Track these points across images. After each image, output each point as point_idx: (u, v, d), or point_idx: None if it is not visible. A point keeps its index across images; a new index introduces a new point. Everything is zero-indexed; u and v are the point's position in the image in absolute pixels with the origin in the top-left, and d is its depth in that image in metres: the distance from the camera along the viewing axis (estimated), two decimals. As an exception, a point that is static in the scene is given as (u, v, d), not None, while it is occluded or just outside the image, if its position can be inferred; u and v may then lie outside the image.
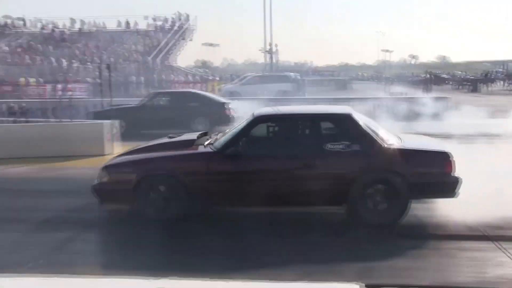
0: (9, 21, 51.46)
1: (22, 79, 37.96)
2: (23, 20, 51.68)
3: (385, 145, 6.78)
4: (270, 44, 51.25)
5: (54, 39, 48.56)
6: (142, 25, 49.79)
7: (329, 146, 6.76)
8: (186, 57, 49.48)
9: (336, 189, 6.70)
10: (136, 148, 8.13)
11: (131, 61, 43.26)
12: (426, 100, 20.08)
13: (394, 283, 4.33)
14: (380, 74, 72.24)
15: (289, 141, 7.10)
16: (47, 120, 16.73)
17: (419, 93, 27.98)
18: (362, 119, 7.17)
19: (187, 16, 50.71)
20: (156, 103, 17.64)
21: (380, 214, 6.66)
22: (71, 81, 35.84)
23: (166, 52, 46.33)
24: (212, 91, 35.22)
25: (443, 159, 6.68)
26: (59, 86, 32.42)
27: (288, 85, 30.30)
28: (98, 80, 35.55)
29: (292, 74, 34.17)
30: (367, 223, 6.64)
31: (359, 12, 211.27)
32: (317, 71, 69.85)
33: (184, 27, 50.10)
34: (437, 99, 21.10)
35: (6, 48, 47.27)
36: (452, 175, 6.60)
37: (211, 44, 62.66)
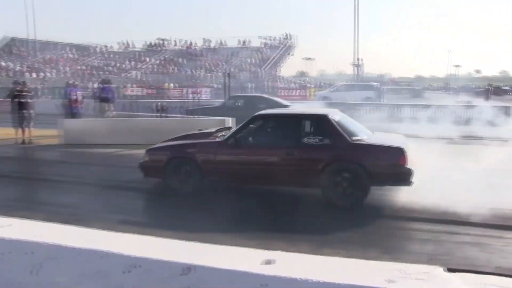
0: (160, 41, 54.01)
1: (166, 84, 39.75)
2: (168, 40, 54.08)
3: (351, 141, 6.73)
4: (358, 59, 50.28)
5: (189, 54, 50.35)
6: (256, 43, 50.37)
7: (306, 139, 6.89)
8: (288, 68, 49.45)
9: (310, 175, 6.74)
10: (175, 137, 8.36)
11: (246, 71, 43.84)
12: (486, 108, 18.85)
13: (474, 269, 4.05)
14: (448, 85, 68.72)
15: (277, 135, 7.27)
16: (183, 116, 17.35)
17: (480, 102, 26.19)
18: (338, 119, 7.11)
19: (290, 35, 50.71)
20: (233, 104, 17.49)
21: (346, 197, 6.59)
22: (199, 86, 36.98)
23: (273, 64, 46.51)
24: (309, 96, 35.19)
25: (397, 153, 6.51)
26: (190, 90, 33.53)
27: (371, 93, 29.47)
28: (220, 86, 36.57)
29: (374, 83, 33.18)
30: (335, 203, 6.60)
31: (433, 30, 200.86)
32: (394, 81, 67.12)
33: (287, 44, 50.08)
34: (497, 107, 19.66)
35: (156, 61, 49.68)
36: (405, 166, 6.41)
37: (308, 58, 62.21)
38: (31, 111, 13.61)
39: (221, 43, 51.91)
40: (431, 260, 4.61)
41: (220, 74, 40.96)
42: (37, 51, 57.02)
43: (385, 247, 5.10)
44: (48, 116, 18.72)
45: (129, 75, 46.40)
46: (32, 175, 9.74)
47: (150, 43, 54.13)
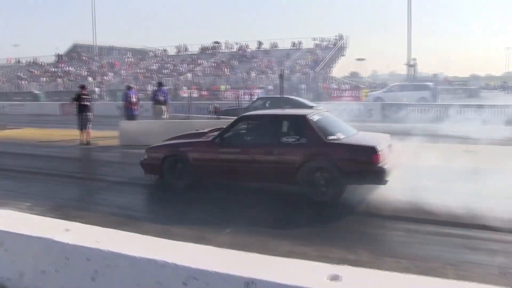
0: (215, 44, 54.61)
1: (222, 86, 40.13)
2: (221, 43, 54.60)
3: (326, 140, 6.83)
4: (411, 59, 48.87)
5: (242, 56, 50.57)
6: (308, 45, 49.87)
7: (284, 139, 7.07)
8: (340, 69, 48.55)
9: (287, 172, 6.90)
10: (174, 136, 8.72)
11: (299, 72, 43.44)
12: None
13: None
14: (506, 83, 65.32)
15: (258, 135, 7.52)
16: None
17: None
18: (317, 120, 7.23)
19: (342, 36, 49.89)
20: (259, 105, 17.50)
21: (321, 194, 6.72)
22: (253, 88, 37.03)
23: (325, 65, 45.86)
24: (361, 96, 34.40)
25: (370, 152, 6.52)
26: (243, 91, 33.65)
27: (426, 93, 28.32)
28: (272, 87, 36.42)
29: (429, 83, 31.89)
30: (311, 199, 6.73)
31: (489, 29, 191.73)
32: (448, 81, 64.46)
33: (339, 45, 49.29)
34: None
35: (211, 64, 50.28)
36: (377, 165, 6.41)
37: (360, 59, 61.02)
38: (90, 113, 13.99)
39: (273, 45, 51.82)
40: (504, 274, 4.21)
41: (272, 76, 40.86)
42: (98, 56, 59.33)
43: (447, 258, 4.67)
44: (109, 118, 19.31)
45: (184, 77, 47.17)
46: (90, 175, 9.91)
47: (205, 46, 54.85)
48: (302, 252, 4.83)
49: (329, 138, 6.88)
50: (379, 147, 6.55)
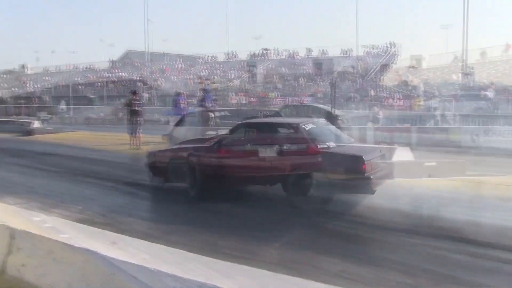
0: (264, 51, 54.71)
1: (271, 94, 40.20)
2: (273, 50, 54.62)
3: (316, 148, 7.05)
4: (470, 67, 46.96)
5: (292, 63, 50.40)
6: (359, 52, 48.99)
7: (278, 146, 7.28)
8: (391, 77, 47.18)
9: (279, 177, 7.22)
10: (184, 141, 9.20)
11: (349, 80, 42.73)
12: None
13: None
14: None
15: (255, 141, 7.77)
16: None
17: None
18: (309, 129, 7.51)
19: (394, 43, 48.69)
20: (287, 113, 17.82)
21: (308, 200, 6.93)
22: (303, 95, 36.85)
23: (376, 73, 44.87)
24: (414, 105, 33.32)
25: (357, 162, 6.63)
26: (292, 98, 33.49)
27: (483, 103, 27.10)
28: (321, 95, 36.00)
29: (488, 93, 30.47)
30: (297, 205, 6.89)
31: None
32: (508, 90, 61.34)
33: (391, 52, 48.15)
34: None
35: (260, 71, 50.44)
36: (365, 175, 6.52)
37: (412, 67, 59.44)
38: (141, 119, 14.18)
39: (323, 52, 51.27)
40: None
41: (321, 83, 40.46)
42: (150, 62, 60.90)
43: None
44: (160, 123, 19.63)
45: (233, 84, 47.45)
46: (138, 181, 9.65)
47: (254, 53, 55.02)
48: (355, 272, 4.56)
49: (320, 146, 7.14)
50: (367, 157, 6.71)
